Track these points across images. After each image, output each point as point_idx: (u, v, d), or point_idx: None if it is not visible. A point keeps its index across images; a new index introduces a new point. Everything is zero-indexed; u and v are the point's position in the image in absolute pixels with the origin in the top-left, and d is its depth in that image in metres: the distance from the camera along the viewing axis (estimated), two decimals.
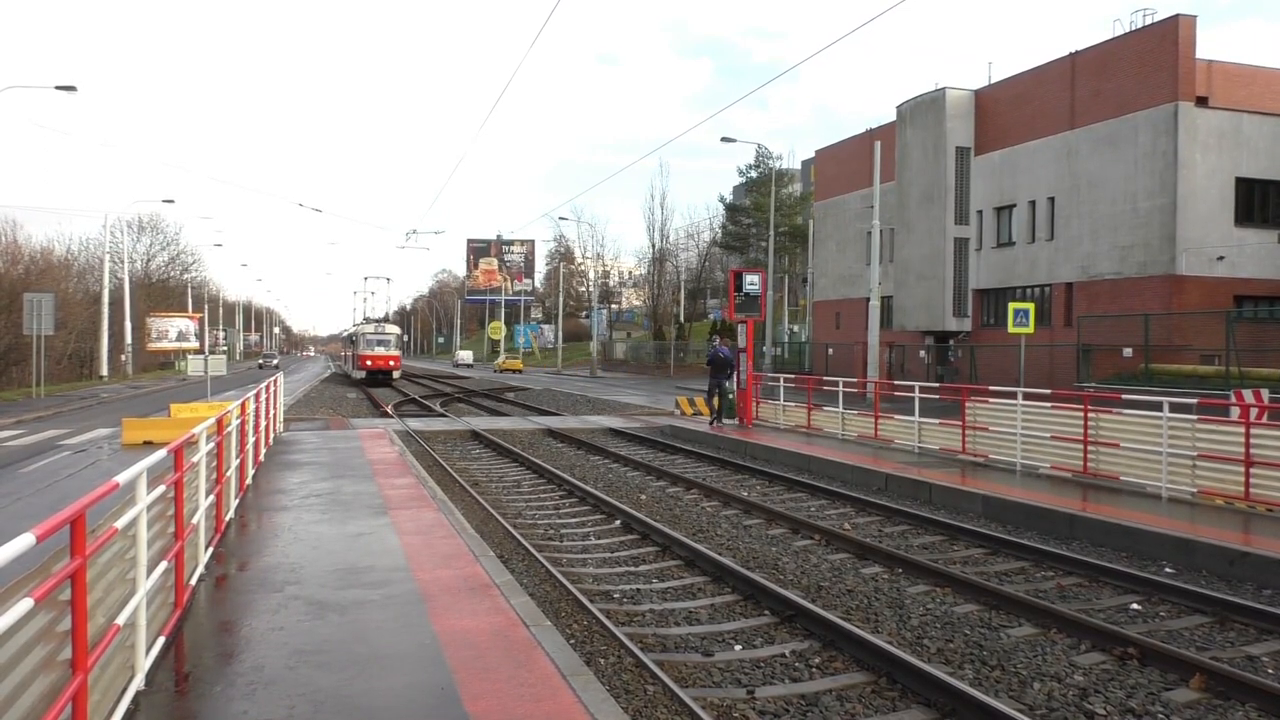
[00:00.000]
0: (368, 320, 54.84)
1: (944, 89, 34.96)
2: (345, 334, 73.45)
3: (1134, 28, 29.88)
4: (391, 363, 45.50)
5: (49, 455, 17.05)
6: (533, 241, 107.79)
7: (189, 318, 62.60)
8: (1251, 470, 10.20)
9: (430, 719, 4.42)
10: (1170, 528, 9.40)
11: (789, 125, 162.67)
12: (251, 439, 11.69)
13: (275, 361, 75.23)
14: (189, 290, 75.53)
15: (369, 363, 44.50)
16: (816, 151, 50.32)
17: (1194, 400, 11.82)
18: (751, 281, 21.24)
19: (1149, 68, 27.43)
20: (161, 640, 5.27)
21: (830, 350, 42.78)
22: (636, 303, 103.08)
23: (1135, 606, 7.62)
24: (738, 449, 18.00)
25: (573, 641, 6.37)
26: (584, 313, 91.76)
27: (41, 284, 42.89)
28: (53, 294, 35.40)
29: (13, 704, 3.21)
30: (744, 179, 74.84)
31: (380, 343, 45.42)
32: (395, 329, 48.82)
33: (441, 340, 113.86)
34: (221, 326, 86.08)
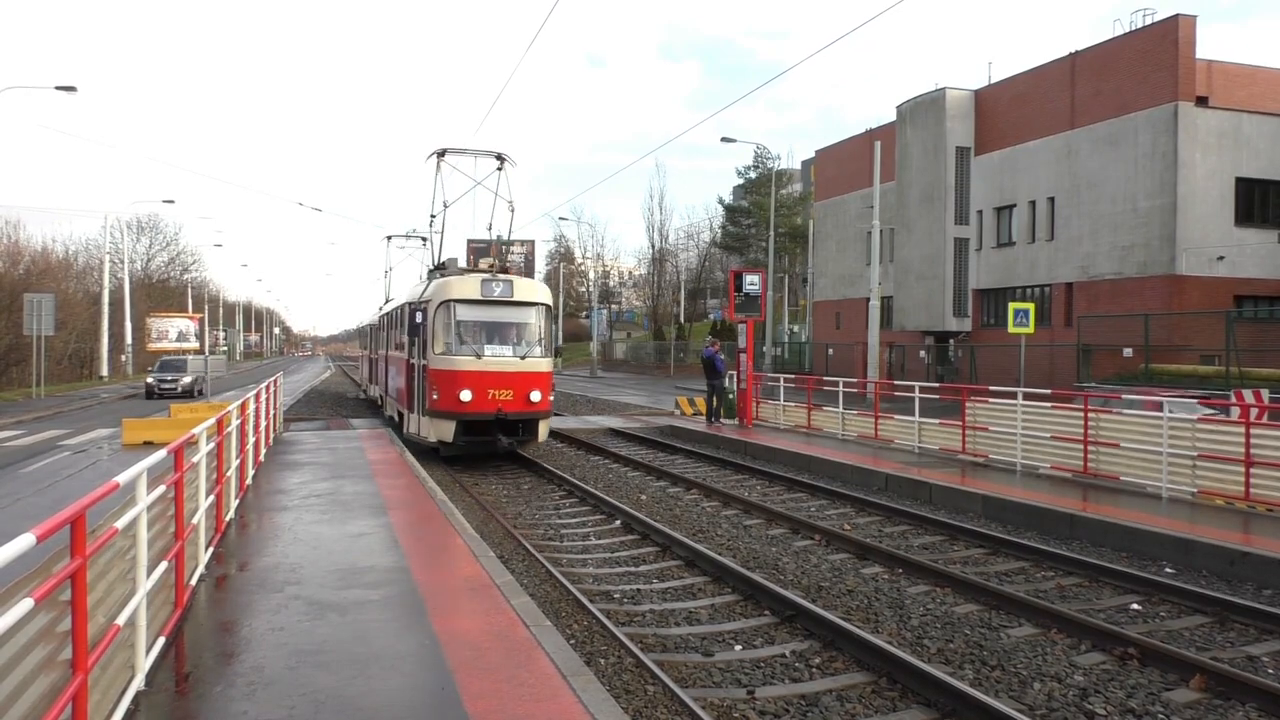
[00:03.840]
0: (447, 270, 17.20)
1: (944, 89, 34.95)
2: (383, 315, 24.50)
3: (1134, 28, 29.87)
4: (535, 394, 15.36)
5: (49, 455, 17.05)
6: (533, 241, 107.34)
7: (189, 318, 62.39)
8: (1251, 470, 10.20)
9: (430, 719, 4.42)
10: (1170, 528, 9.40)
11: (789, 125, 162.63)
12: (251, 439, 11.69)
13: (186, 381, 34.16)
14: (189, 290, 75.47)
15: (467, 393, 14.85)
16: (816, 151, 50.32)
17: (1194, 400, 11.81)
18: (751, 281, 21.24)
19: (1149, 68, 27.42)
20: (162, 640, 5.27)
21: (830, 350, 42.76)
22: (636, 303, 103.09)
23: (1135, 606, 7.62)
24: (738, 449, 18.00)
25: (573, 642, 6.38)
26: (584, 313, 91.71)
27: (42, 284, 42.89)
28: (53, 294, 35.40)
29: (13, 704, 3.21)
30: (743, 179, 74.82)
31: (502, 331, 15.83)
32: (542, 291, 16.55)
33: None
34: (222, 327, 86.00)
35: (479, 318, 15.51)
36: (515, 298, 15.55)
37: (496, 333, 15.59)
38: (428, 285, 16.31)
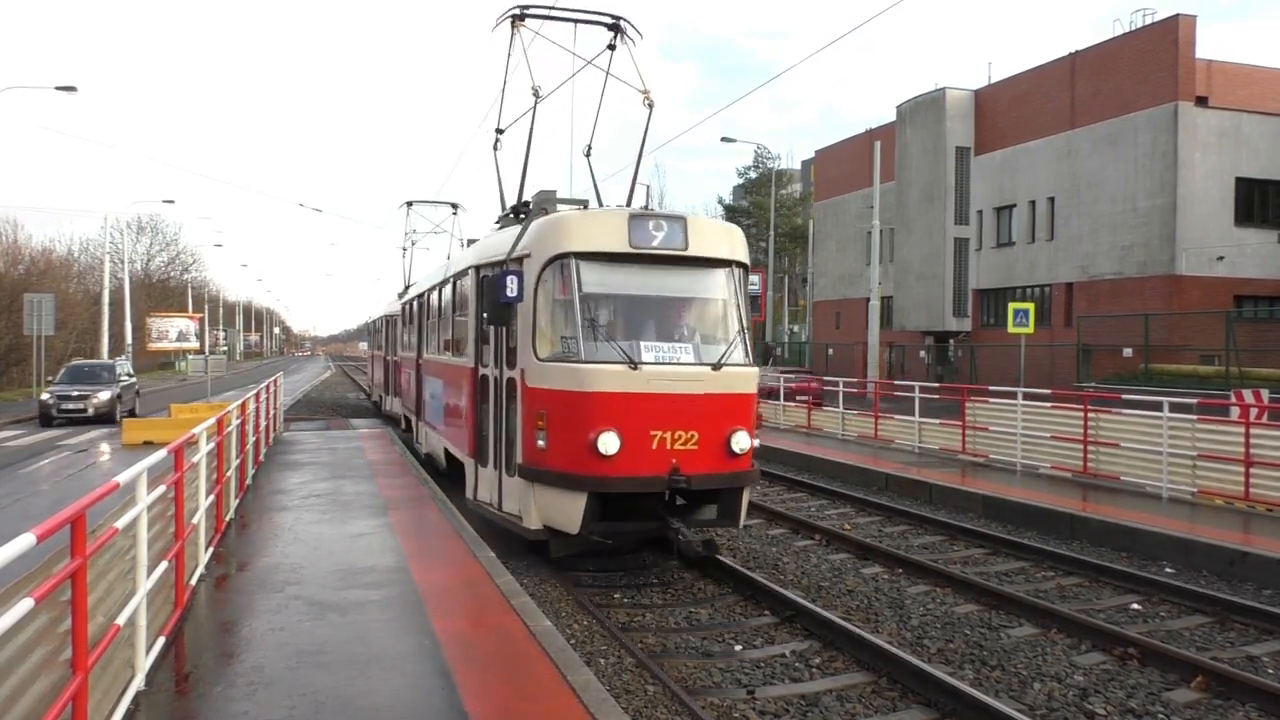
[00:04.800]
0: (546, 208, 9.24)
1: (944, 89, 34.98)
2: (408, 303, 17.46)
3: (1134, 28, 29.89)
4: (740, 435, 7.95)
5: (49, 455, 17.04)
6: None
7: (189, 318, 62.50)
8: (1251, 470, 10.21)
9: (430, 719, 4.42)
10: (1170, 528, 9.40)
11: (790, 125, 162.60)
12: (252, 439, 11.70)
13: (102, 398, 23.18)
14: (189, 290, 75.47)
15: (611, 439, 7.58)
16: (816, 151, 50.36)
17: (1194, 400, 11.83)
18: (751, 281, 21.19)
19: (1149, 67, 27.43)
20: (162, 640, 5.27)
21: (830, 350, 42.79)
22: None
23: (1135, 606, 7.63)
24: None
25: (573, 641, 6.37)
26: None
27: (42, 284, 42.87)
28: (53, 294, 35.31)
29: (14, 704, 3.22)
30: (743, 179, 74.85)
31: (672, 314, 8.68)
32: (736, 239, 8.85)
33: None
34: (222, 327, 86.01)
35: (628, 288, 8.45)
36: (692, 250, 8.34)
37: (660, 318, 8.54)
38: (521, 232, 8.69)
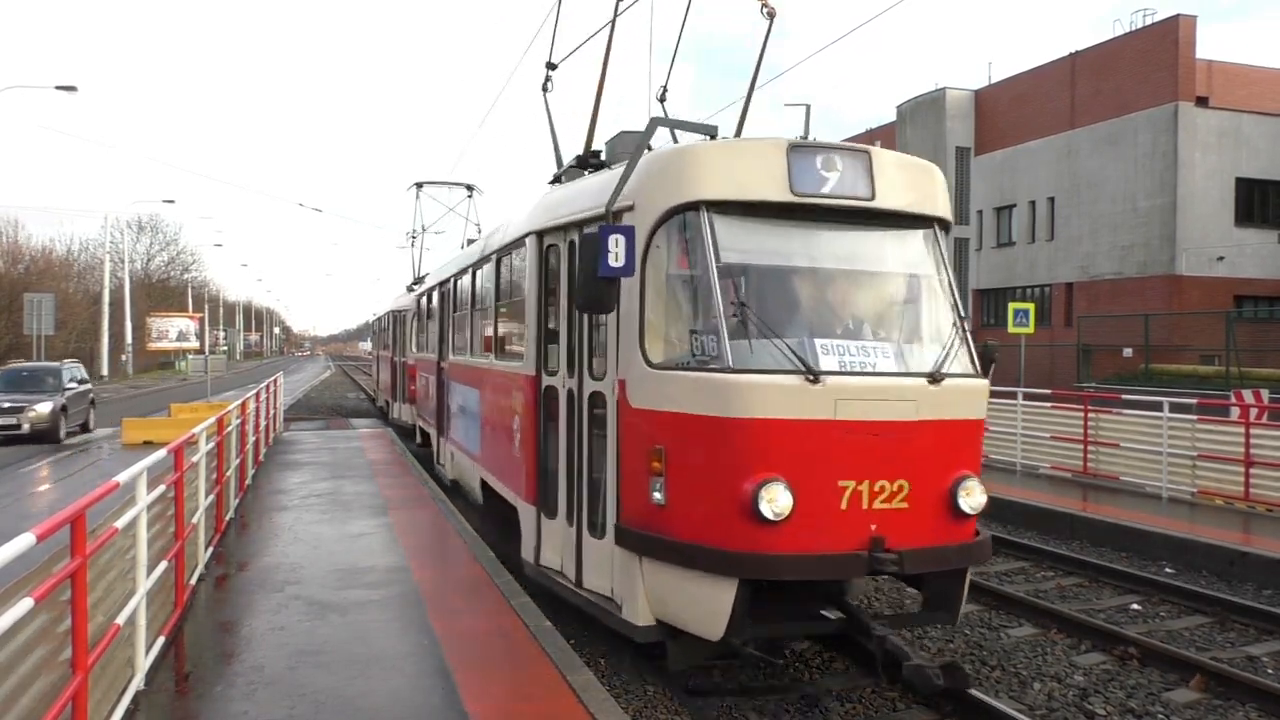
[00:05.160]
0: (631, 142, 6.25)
1: (944, 89, 34.99)
2: (425, 295, 15.19)
3: (1134, 28, 29.89)
4: (969, 485, 5.48)
5: (49, 455, 17.05)
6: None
7: (189, 318, 62.59)
8: (1251, 470, 10.21)
9: (430, 719, 4.42)
10: (1170, 528, 9.40)
11: (789, 126, 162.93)
12: (251, 439, 11.70)
13: (43, 410, 18.66)
14: (189, 290, 75.49)
15: (780, 495, 4.80)
16: None
17: (1194, 400, 11.84)
18: None
19: (1149, 68, 27.43)
20: (162, 640, 5.27)
21: None
22: None
23: (1135, 606, 7.63)
24: None
25: (572, 641, 6.37)
26: None
27: (42, 284, 42.91)
28: (53, 294, 35.36)
29: (13, 704, 3.22)
30: None
31: (857, 297, 5.87)
32: (936, 182, 5.92)
33: None
34: (222, 326, 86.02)
35: (790, 258, 5.78)
36: (880, 200, 5.61)
37: (838, 304, 5.90)
38: (625, 174, 5.69)
